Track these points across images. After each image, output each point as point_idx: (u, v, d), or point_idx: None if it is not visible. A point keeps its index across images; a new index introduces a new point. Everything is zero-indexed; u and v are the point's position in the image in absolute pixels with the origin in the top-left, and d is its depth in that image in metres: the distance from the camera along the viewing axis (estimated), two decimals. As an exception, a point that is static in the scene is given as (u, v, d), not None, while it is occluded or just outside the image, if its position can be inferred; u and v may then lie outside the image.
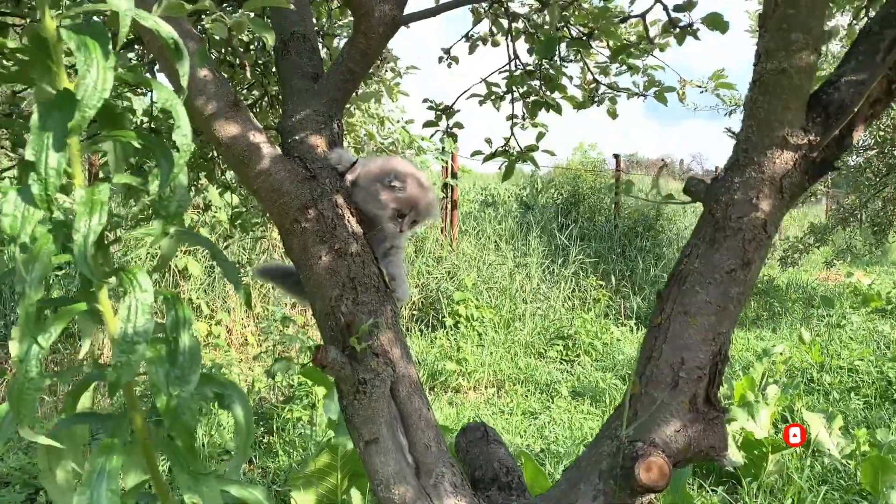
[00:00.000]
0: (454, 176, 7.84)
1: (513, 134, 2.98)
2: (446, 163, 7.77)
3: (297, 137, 1.62)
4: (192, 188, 3.54)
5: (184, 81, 0.88)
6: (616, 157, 10.10)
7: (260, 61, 2.53)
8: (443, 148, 7.66)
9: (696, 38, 1.88)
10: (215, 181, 3.30)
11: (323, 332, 1.59)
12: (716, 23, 1.72)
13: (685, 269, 1.39)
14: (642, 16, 2.02)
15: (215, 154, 3.10)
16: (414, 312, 7.01)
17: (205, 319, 5.88)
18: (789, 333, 6.87)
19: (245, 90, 2.78)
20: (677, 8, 1.79)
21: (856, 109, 1.30)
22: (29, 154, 0.75)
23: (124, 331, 0.87)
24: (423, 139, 7.05)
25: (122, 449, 0.94)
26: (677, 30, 1.86)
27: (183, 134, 0.85)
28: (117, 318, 0.87)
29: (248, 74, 2.33)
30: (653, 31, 2.07)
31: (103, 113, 0.90)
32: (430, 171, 7.98)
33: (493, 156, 2.99)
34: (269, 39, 1.16)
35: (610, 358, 6.14)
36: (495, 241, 8.09)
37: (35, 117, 0.76)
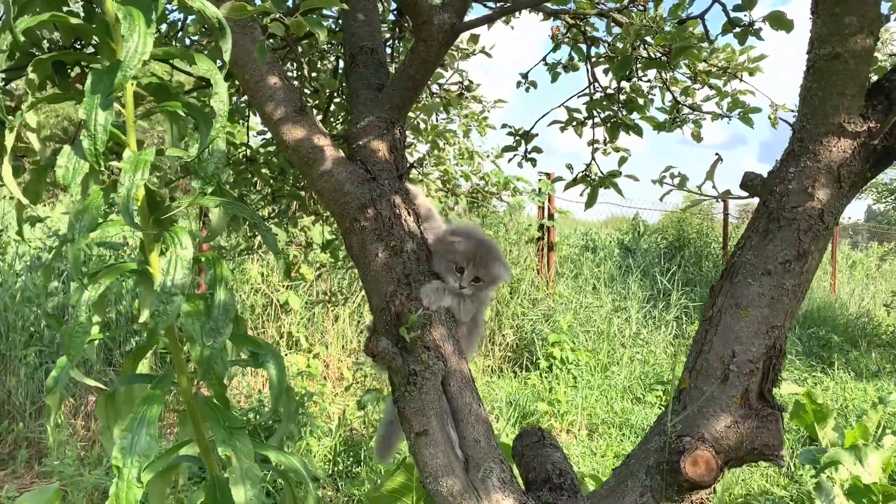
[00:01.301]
0: (551, 217, 7.82)
1: (594, 159, 2.97)
2: (543, 204, 7.77)
3: (360, 143, 1.70)
4: (287, 218, 3.70)
5: (226, 56, 0.97)
6: (724, 200, 9.79)
7: (324, 69, 2.67)
8: (539, 189, 7.68)
9: (759, 37, 1.84)
10: (307, 210, 3.46)
11: (379, 328, 1.64)
12: (779, 21, 1.68)
13: (738, 261, 1.35)
14: (701, 16, 2.00)
15: (307, 186, 3.26)
16: (508, 354, 6.97)
17: (303, 352, 6.08)
18: (916, 387, 6.34)
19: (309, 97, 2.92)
20: (736, 7, 1.77)
21: (917, 91, 1.24)
22: (81, 114, 0.85)
23: (163, 282, 0.95)
24: (518, 179, 7.11)
25: (161, 400, 1.01)
26: (738, 29, 1.83)
27: (220, 100, 0.93)
28: (158, 271, 0.95)
29: (309, 80, 2.46)
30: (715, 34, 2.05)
31: (158, 90, 1.00)
32: (525, 212, 8.00)
33: (574, 182, 2.99)
34: (322, 35, 1.25)
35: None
36: (593, 284, 7.97)
37: (88, 82, 0.86)
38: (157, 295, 0.95)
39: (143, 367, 1.20)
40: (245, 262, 6.02)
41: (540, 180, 7.78)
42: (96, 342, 1.09)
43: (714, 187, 1.48)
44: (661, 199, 1.88)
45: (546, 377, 6.34)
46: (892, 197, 7.99)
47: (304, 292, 6.24)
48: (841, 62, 1.28)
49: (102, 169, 0.89)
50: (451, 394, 1.56)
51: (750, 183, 1.43)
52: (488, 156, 4.67)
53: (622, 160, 2.97)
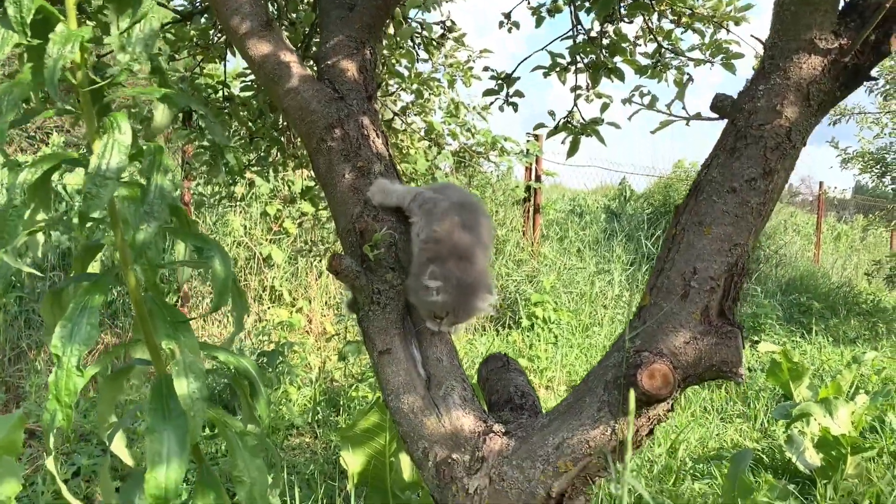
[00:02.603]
0: (538, 179, 7.80)
1: (576, 105, 2.94)
2: (530, 165, 7.74)
3: (329, 62, 1.67)
4: (267, 164, 3.65)
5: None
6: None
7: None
8: (527, 151, 7.64)
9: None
10: (287, 154, 3.42)
11: (345, 250, 1.62)
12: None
13: (703, 179, 1.34)
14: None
15: (285, 124, 3.22)
16: (491, 313, 6.99)
17: (286, 306, 6.07)
18: (892, 353, 6.42)
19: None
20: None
21: (888, 5, 1.22)
22: (9, -12, 0.82)
23: (98, 165, 0.93)
24: (506, 139, 7.06)
25: (104, 290, 0.99)
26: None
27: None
28: (93, 154, 0.93)
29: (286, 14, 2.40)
30: None
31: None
32: (513, 173, 7.96)
33: (556, 130, 2.96)
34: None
35: (690, 364, 5.91)
36: (578, 247, 7.98)
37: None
38: (91, 178, 0.93)
39: (95, 268, 1.17)
40: (227, 215, 5.98)
41: (528, 141, 7.74)
42: (41, 238, 1.07)
43: (684, 108, 1.46)
44: (629, 119, 1.85)
45: (527, 335, 6.36)
46: (879, 166, 8.00)
47: (287, 246, 6.21)
48: (814, -24, 1.26)
49: (29, 40, 0.86)
50: (416, 314, 1.55)
51: (720, 104, 1.42)
52: (474, 108, 4.61)
53: (604, 106, 2.93)
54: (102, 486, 1.17)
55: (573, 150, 2.96)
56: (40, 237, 1.04)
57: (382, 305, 1.51)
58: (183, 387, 0.98)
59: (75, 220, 0.95)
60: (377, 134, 1.63)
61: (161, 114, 1.07)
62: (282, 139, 3.33)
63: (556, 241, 8.08)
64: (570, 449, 1.31)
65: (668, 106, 1.53)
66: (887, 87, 7.24)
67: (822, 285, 9.02)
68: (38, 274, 1.05)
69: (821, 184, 11.06)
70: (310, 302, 6.27)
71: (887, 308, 8.58)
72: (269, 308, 5.96)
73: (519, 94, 2.94)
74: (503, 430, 1.41)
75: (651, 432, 1.34)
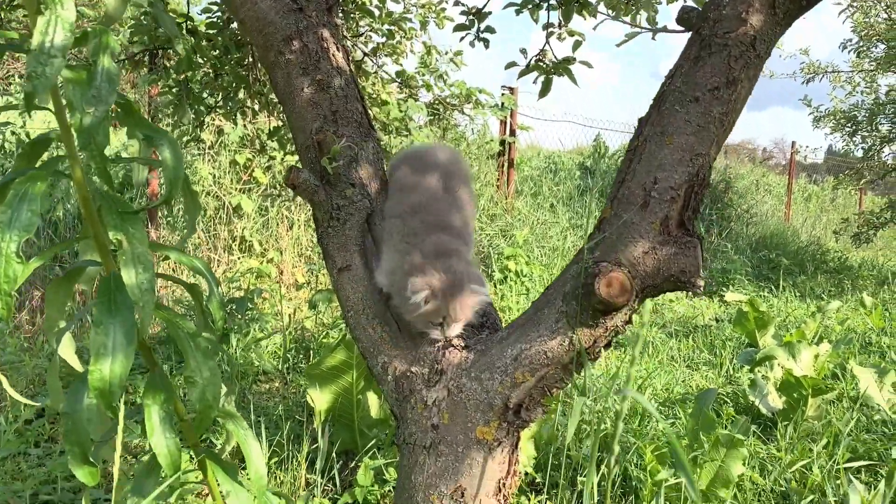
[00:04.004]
0: (512, 133, 7.75)
1: (548, 43, 2.90)
2: (505, 119, 7.69)
3: (288, -26, 1.61)
4: (234, 106, 3.57)
5: None
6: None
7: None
8: (501, 104, 7.58)
9: None
10: (252, 91, 3.34)
11: (304, 165, 1.59)
12: None
13: (667, 90, 1.32)
14: None
15: (250, 60, 3.14)
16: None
17: (257, 257, 6.01)
18: (855, 307, 6.54)
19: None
20: None
21: None
22: None
23: (42, 43, 0.88)
24: (481, 91, 6.99)
25: (46, 178, 0.95)
26: None
27: None
28: (36, 31, 0.88)
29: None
30: None
31: None
32: (487, 126, 7.91)
33: (528, 69, 2.92)
34: None
35: (660, 316, 5.99)
36: (551, 203, 7.99)
37: None
38: (34, 56, 0.88)
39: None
40: (196, 163, 5.88)
41: (503, 94, 7.67)
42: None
43: (655, 23, 1.43)
44: (594, 29, 1.83)
45: (500, 288, 6.39)
46: (850, 124, 8.04)
47: (257, 196, 6.13)
48: None
49: None
50: (377, 233, 1.53)
51: (686, 16, 1.39)
52: (447, 53, 4.54)
53: (576, 44, 2.88)
54: (51, 390, 1.15)
55: (545, 90, 2.92)
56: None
57: (342, 221, 1.49)
58: (131, 277, 0.96)
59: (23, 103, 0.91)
60: (337, 47, 1.58)
61: (113, 4, 1.03)
62: (248, 76, 3.25)
63: (530, 196, 8.08)
64: (527, 360, 1.31)
65: (633, 18, 1.51)
66: (860, 44, 7.25)
67: (791, 243, 9.15)
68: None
69: (793, 143, 11.14)
70: (281, 253, 6.22)
71: (853, 266, 8.73)
72: (239, 259, 5.91)
73: (490, 29, 2.89)
74: (462, 344, 1.41)
75: (609, 344, 1.34)
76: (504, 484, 1.35)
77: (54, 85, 0.95)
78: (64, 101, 1.00)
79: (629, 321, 1.33)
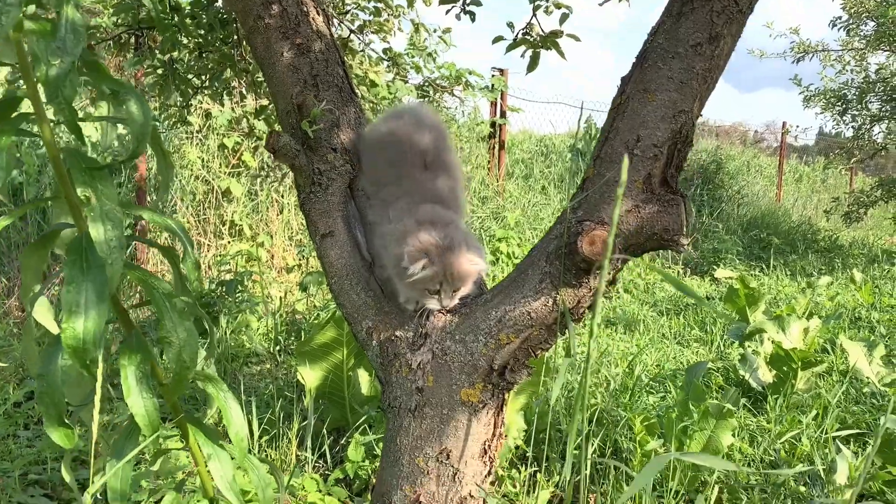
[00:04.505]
0: (503, 115, 7.72)
1: (535, 16, 2.87)
2: (495, 101, 7.66)
3: (267, -63, 1.58)
4: (220, 86, 3.53)
5: None
6: None
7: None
8: (492, 86, 7.54)
9: None
10: (238, 69, 3.30)
11: (285, 132, 1.57)
12: None
13: (649, 47, 1.31)
14: None
15: (236, 43, 3.10)
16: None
17: (247, 241, 5.98)
18: (845, 284, 6.56)
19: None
20: None
21: None
22: None
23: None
24: (471, 73, 6.95)
25: (12, 132, 0.93)
26: None
27: None
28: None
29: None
30: None
31: None
32: (478, 109, 7.88)
33: (515, 43, 2.90)
34: None
35: (651, 295, 5.99)
36: (543, 185, 7.97)
37: None
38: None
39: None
40: (184, 147, 5.83)
41: (493, 76, 7.64)
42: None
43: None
44: None
45: (491, 270, 6.38)
46: (840, 103, 8.02)
47: (246, 180, 6.10)
48: None
49: None
50: (360, 199, 1.51)
51: (669, -27, 1.37)
52: (435, 30, 4.51)
53: (564, 17, 2.86)
54: (26, 354, 1.13)
55: (533, 64, 2.90)
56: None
57: (324, 187, 1.47)
58: (100, 233, 0.94)
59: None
60: (317, 11, 1.56)
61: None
62: (233, 53, 3.22)
63: (521, 178, 8.07)
64: (511, 321, 1.30)
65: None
66: (850, 21, 7.23)
67: (782, 223, 9.16)
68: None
69: (784, 123, 11.13)
70: (271, 237, 6.19)
71: (843, 245, 8.75)
72: (229, 243, 5.88)
73: (476, 2, 2.86)
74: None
75: (592, 306, 1.33)
76: (490, 446, 1.34)
77: (19, 40, 0.93)
78: (30, 58, 0.98)
79: (613, 282, 1.32)
